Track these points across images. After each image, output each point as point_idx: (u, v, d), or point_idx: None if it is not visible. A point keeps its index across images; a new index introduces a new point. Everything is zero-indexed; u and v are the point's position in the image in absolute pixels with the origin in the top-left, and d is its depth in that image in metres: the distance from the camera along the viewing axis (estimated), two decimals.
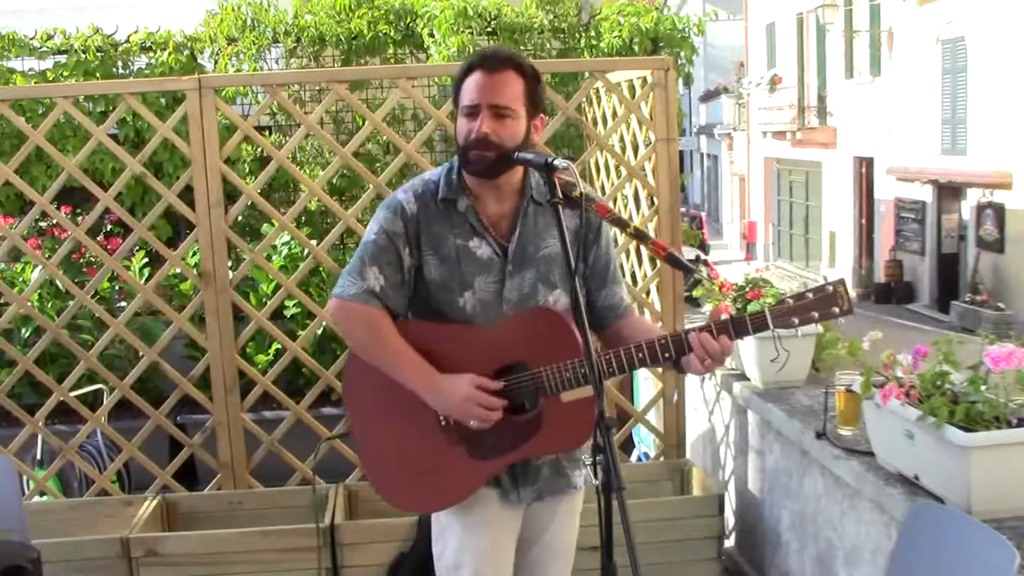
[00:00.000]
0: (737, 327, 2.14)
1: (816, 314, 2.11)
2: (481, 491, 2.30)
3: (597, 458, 1.98)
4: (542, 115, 2.30)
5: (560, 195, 2.14)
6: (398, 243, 2.25)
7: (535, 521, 2.44)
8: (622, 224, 2.48)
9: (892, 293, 17.71)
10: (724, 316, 2.16)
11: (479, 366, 2.22)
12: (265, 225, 5.64)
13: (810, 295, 2.12)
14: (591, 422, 2.20)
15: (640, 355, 2.18)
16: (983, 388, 2.34)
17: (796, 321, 2.10)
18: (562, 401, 2.21)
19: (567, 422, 2.22)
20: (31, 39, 6.44)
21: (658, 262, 4.12)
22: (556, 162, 2.13)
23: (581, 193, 2.24)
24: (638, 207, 4.65)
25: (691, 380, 4.48)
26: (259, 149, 6.11)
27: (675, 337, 2.17)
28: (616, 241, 4.08)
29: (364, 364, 2.29)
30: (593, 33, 6.60)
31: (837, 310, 2.10)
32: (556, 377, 2.19)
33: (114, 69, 6.47)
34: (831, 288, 2.10)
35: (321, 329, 4.79)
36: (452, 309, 2.27)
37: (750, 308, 3.63)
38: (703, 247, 16.81)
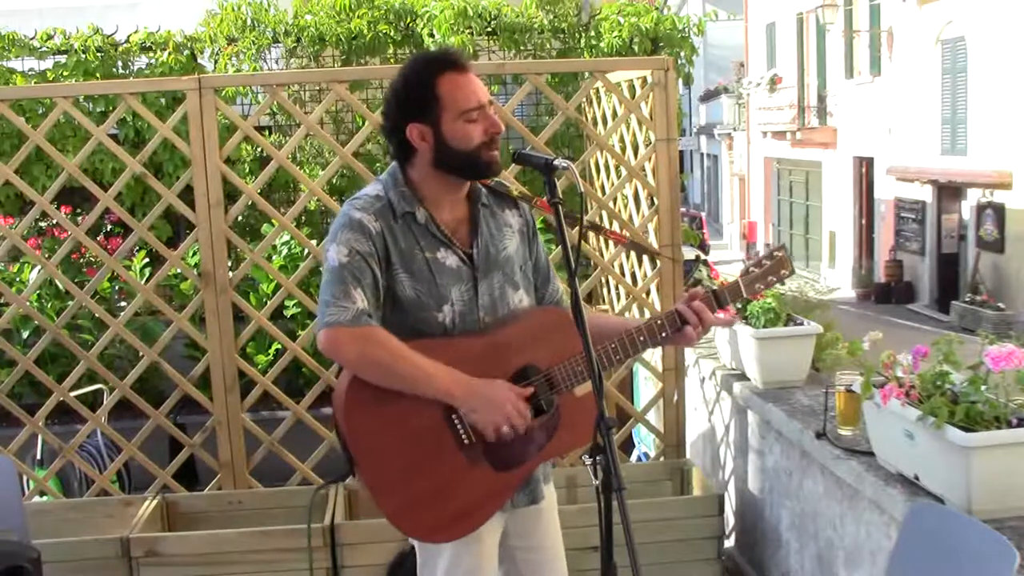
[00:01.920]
0: (719, 297, 2.34)
1: (773, 278, 2.41)
2: None
3: (597, 458, 1.97)
4: None
5: (559, 195, 2.13)
6: (371, 263, 2.13)
7: (522, 526, 2.38)
8: (572, 219, 2.54)
9: (892, 293, 17.72)
10: (703, 290, 2.34)
11: (493, 377, 2.17)
12: (265, 225, 5.65)
13: (766, 262, 2.41)
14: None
15: (641, 338, 2.26)
16: (983, 388, 2.34)
17: (761, 287, 2.41)
18: (575, 396, 2.22)
19: (579, 417, 2.20)
20: (31, 39, 6.45)
21: (658, 262, 4.12)
22: (556, 162, 2.12)
23: (520, 193, 2.26)
24: (638, 207, 4.65)
25: (691, 380, 4.48)
26: (259, 149, 6.12)
27: (669, 315, 2.29)
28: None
29: (365, 398, 2.13)
30: (593, 33, 6.60)
31: (785, 272, 2.42)
32: (568, 373, 2.20)
33: (114, 69, 6.47)
34: (779, 255, 2.42)
35: None
36: (430, 326, 2.19)
37: (750, 307, 3.66)
38: (703, 248, 16.82)
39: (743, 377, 3.85)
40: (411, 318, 2.18)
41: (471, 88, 2.16)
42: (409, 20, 6.59)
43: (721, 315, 2.37)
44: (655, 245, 4.12)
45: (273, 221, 4.36)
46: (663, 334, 2.27)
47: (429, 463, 2.15)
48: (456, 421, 2.16)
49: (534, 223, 2.43)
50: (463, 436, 2.16)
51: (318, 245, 4.15)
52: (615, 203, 4.87)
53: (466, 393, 2.11)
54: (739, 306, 3.77)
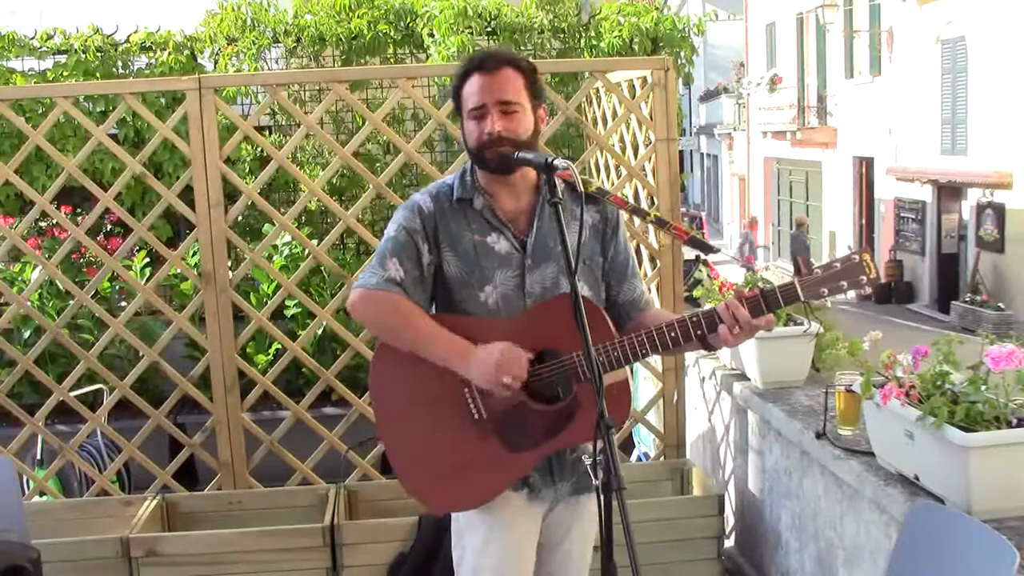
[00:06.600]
0: (768, 299, 2.11)
1: (844, 283, 2.08)
2: (506, 492, 2.29)
3: (597, 458, 1.97)
4: (544, 106, 2.36)
5: (560, 196, 2.14)
6: (417, 239, 2.28)
7: (556, 528, 2.42)
8: (642, 213, 2.54)
9: (892, 293, 17.71)
10: (750, 290, 2.15)
11: None
12: (267, 225, 5.65)
13: (837, 264, 2.09)
14: (625, 408, 2.23)
15: (672, 334, 2.16)
16: (983, 388, 2.34)
17: (825, 291, 2.08)
18: None
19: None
20: (31, 39, 6.45)
21: (658, 261, 4.13)
22: (556, 162, 2.14)
23: (598, 188, 2.29)
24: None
25: (691, 380, 4.48)
26: (259, 149, 6.11)
27: (706, 313, 2.15)
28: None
29: (391, 362, 2.29)
30: (593, 33, 6.61)
31: (864, 279, 2.08)
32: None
33: (114, 69, 6.47)
34: (857, 257, 2.09)
35: (321, 329, 4.80)
36: (474, 305, 2.30)
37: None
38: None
39: (743, 377, 3.85)
40: (456, 295, 2.31)
41: (478, 88, 2.25)
42: (409, 20, 6.60)
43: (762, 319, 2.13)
44: (655, 245, 4.13)
45: (274, 221, 4.36)
46: (698, 332, 2.14)
47: (444, 433, 2.27)
48: (468, 396, 2.24)
49: (616, 221, 2.44)
50: (474, 412, 2.24)
51: (318, 245, 4.16)
52: None
53: (462, 358, 2.20)
54: None
